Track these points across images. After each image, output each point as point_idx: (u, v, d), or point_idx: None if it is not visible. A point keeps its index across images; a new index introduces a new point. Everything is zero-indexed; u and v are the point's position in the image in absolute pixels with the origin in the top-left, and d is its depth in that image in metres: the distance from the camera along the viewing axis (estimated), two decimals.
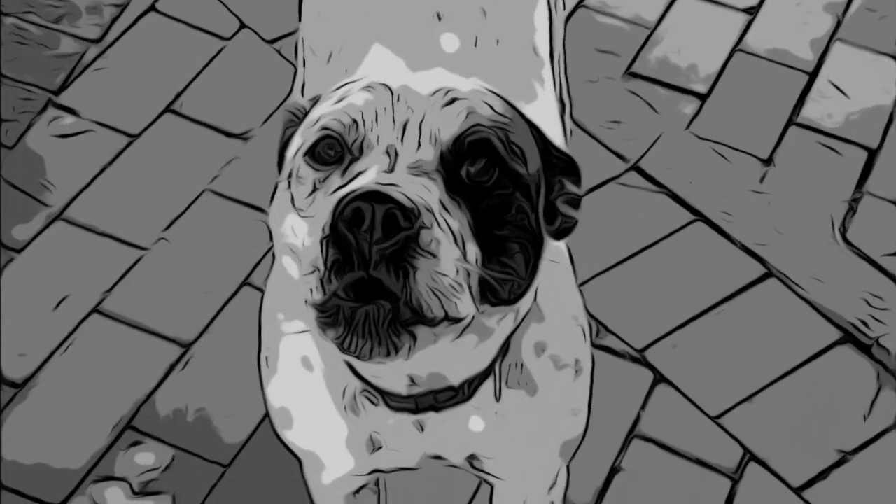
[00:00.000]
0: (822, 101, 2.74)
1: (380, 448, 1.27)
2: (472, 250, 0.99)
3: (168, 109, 2.58)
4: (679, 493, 2.18)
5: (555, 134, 1.41)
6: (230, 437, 2.18)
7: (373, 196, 0.91)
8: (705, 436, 2.24)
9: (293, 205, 1.03)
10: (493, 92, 1.08)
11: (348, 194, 0.92)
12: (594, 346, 1.75)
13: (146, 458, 2.12)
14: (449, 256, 0.95)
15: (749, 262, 2.44)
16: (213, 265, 2.34)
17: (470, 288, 0.98)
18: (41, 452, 2.12)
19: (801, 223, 2.53)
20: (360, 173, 0.98)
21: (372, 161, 0.98)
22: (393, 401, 1.18)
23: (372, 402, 1.20)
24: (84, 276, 2.32)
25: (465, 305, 0.98)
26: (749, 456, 2.23)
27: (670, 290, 2.39)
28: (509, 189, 1.02)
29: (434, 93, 1.02)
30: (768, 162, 2.62)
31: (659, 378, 2.30)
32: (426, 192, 0.96)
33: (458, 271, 0.96)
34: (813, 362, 2.35)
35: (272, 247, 1.08)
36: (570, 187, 1.12)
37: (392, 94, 1.02)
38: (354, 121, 1.01)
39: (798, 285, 2.42)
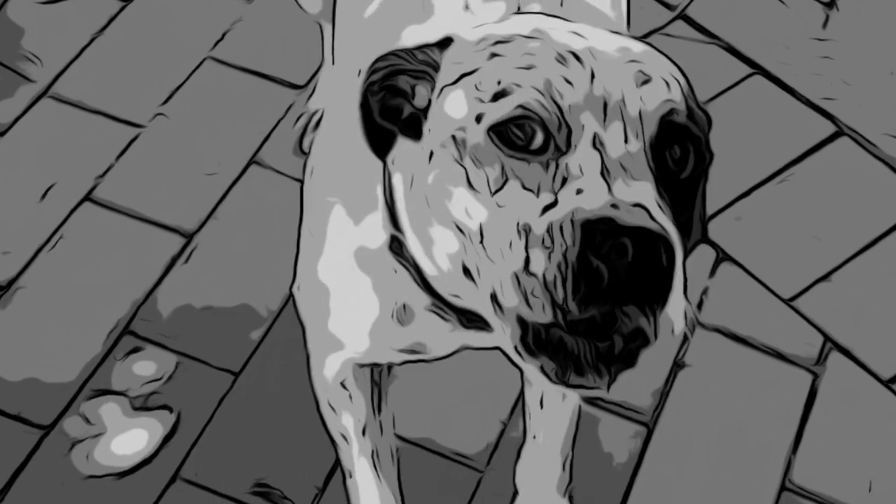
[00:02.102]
0: None
1: (415, 352, 1.29)
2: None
3: None
4: (752, 390, 2.02)
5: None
6: (240, 339, 2.02)
7: (632, 231, 0.88)
8: (778, 322, 2.09)
9: (469, 183, 0.97)
10: (656, 49, 1.04)
11: (600, 224, 0.89)
12: None
13: (146, 367, 1.97)
14: (681, 285, 0.93)
15: (816, 120, 2.33)
16: (217, 143, 2.25)
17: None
18: (28, 366, 1.98)
19: (871, 73, 2.40)
20: (566, 177, 0.94)
21: (583, 159, 0.94)
22: (469, 320, 1.13)
23: (443, 318, 1.17)
24: (74, 160, 2.21)
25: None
26: (831, 345, 2.07)
27: (729, 154, 2.20)
28: (701, 173, 1.00)
29: (625, 64, 0.98)
30: (831, 5, 2.50)
31: (722, 256, 2.16)
32: (662, 211, 0.93)
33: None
34: None
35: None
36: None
37: (585, 67, 0.97)
38: (557, 105, 0.95)
39: (872, 143, 2.30)
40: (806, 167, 2.27)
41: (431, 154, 1.01)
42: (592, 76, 0.96)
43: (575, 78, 0.96)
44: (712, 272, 2.15)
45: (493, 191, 0.96)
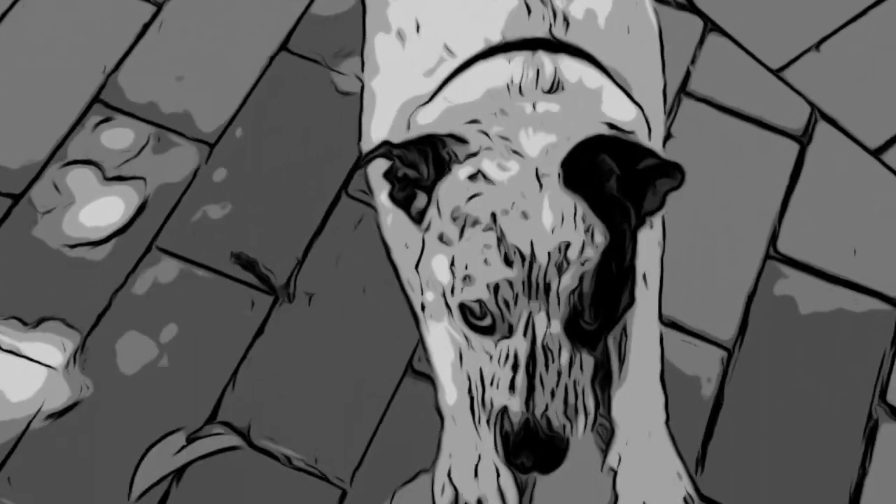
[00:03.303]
0: None
1: None
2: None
3: None
4: (738, 160, 1.96)
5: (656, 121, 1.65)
6: (216, 108, 1.94)
7: (539, 456, 1.33)
8: (766, 93, 2.04)
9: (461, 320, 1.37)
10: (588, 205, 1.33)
11: (520, 451, 1.34)
12: None
13: (118, 137, 1.89)
14: (584, 431, 1.37)
15: None
16: None
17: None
18: None
19: None
20: (507, 356, 1.35)
21: (518, 344, 1.33)
22: None
23: None
24: None
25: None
26: (818, 114, 2.02)
27: None
28: (614, 294, 1.36)
29: (551, 252, 1.30)
30: None
31: (710, 27, 2.09)
32: (564, 379, 1.35)
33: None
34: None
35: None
36: (661, 188, 1.37)
37: (524, 266, 1.30)
38: (502, 303, 1.32)
39: None
40: None
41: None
42: (530, 271, 1.29)
43: (516, 277, 1.30)
44: (700, 42, 2.07)
45: (465, 337, 1.36)
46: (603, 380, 1.73)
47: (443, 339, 1.66)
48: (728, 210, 1.90)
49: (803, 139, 1.98)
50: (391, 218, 1.70)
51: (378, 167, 1.58)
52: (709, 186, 1.92)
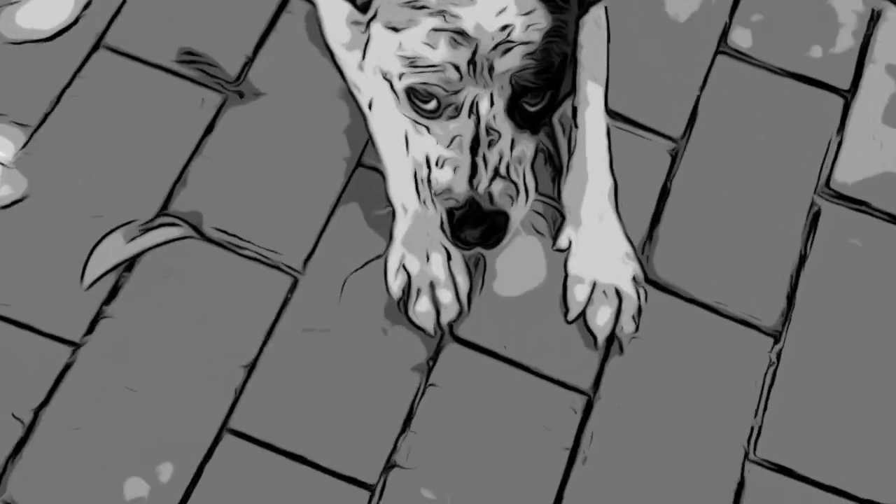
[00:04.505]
0: None
1: None
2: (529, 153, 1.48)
3: None
4: None
5: None
6: None
7: (483, 230, 1.43)
8: None
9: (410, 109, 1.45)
10: None
11: (463, 225, 1.43)
12: None
13: None
14: (522, 213, 1.47)
15: None
16: None
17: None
18: None
19: None
20: (453, 137, 1.42)
21: (464, 128, 1.40)
22: None
23: None
24: None
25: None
26: None
27: None
28: (557, 83, 1.45)
29: (495, 35, 1.36)
30: None
31: None
32: (506, 158, 1.43)
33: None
34: None
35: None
36: None
37: (469, 45, 1.36)
38: (448, 85, 1.38)
39: None
40: None
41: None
42: (474, 53, 1.35)
43: (461, 59, 1.35)
44: None
45: (411, 121, 1.44)
46: (554, 167, 1.75)
47: (390, 131, 1.67)
48: (679, 2, 1.90)
49: None
50: (332, 21, 1.71)
51: None
52: None
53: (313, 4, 1.83)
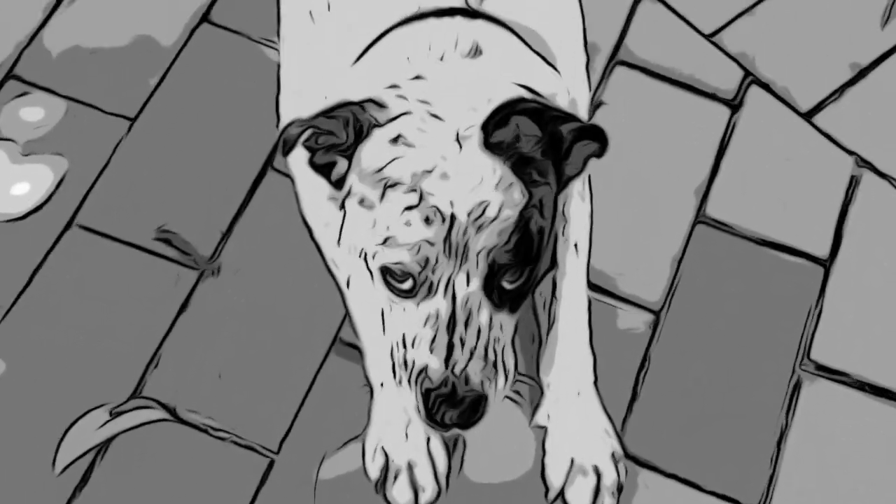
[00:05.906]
0: None
1: None
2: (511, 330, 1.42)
3: None
4: (670, 125, 1.93)
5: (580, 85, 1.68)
6: (136, 83, 1.92)
7: (459, 412, 1.37)
8: (700, 57, 2.03)
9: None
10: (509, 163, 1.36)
11: (440, 407, 1.37)
12: None
13: (34, 113, 1.85)
14: (503, 389, 1.40)
15: None
16: None
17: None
18: None
19: None
20: (428, 317, 1.37)
21: (438, 304, 1.36)
22: None
23: None
24: None
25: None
26: (750, 78, 2.01)
27: None
28: (534, 254, 1.38)
29: (470, 212, 1.33)
30: None
31: None
32: (483, 338, 1.38)
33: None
34: None
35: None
36: (581, 152, 1.41)
37: (444, 225, 1.32)
38: (423, 264, 1.34)
39: None
40: None
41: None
42: (449, 231, 1.32)
43: (436, 237, 1.32)
44: (632, 11, 2.05)
45: (387, 299, 1.39)
46: (532, 343, 1.73)
47: (367, 308, 1.65)
48: (658, 174, 1.89)
49: (734, 102, 1.97)
50: (309, 198, 1.70)
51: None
52: (639, 151, 1.91)
53: (291, 180, 1.83)
